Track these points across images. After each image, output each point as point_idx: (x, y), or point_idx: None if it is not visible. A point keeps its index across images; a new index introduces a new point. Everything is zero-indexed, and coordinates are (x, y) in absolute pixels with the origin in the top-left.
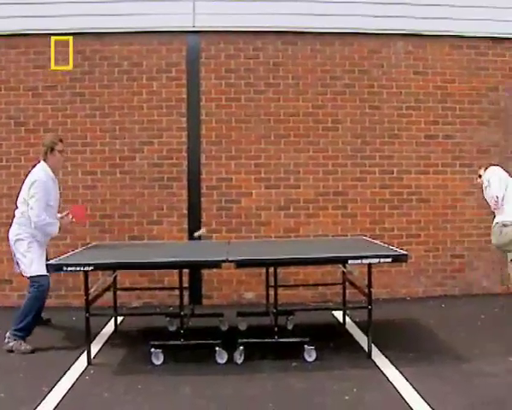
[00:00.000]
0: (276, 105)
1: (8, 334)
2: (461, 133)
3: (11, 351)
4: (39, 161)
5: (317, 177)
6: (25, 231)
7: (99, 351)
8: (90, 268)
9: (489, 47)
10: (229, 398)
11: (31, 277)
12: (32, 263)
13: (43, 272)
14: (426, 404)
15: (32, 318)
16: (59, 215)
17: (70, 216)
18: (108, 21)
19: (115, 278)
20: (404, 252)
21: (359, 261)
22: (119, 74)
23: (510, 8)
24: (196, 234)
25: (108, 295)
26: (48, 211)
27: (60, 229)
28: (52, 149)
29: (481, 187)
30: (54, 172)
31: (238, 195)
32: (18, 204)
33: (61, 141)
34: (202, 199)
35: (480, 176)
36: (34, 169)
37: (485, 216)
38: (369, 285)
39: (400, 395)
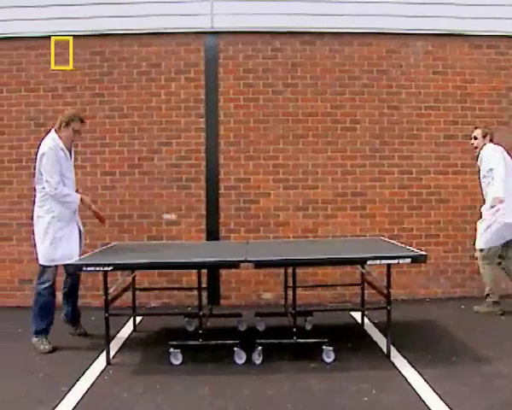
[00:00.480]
0: (295, 105)
1: None
2: None
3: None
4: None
5: (335, 177)
6: (43, 209)
7: (118, 351)
8: (110, 268)
9: (509, 46)
10: (247, 398)
11: (39, 264)
12: (42, 249)
13: (50, 262)
14: (445, 406)
15: (46, 315)
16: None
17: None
18: (127, 23)
19: (134, 278)
20: (423, 253)
21: (378, 262)
22: (138, 75)
23: None
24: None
25: (127, 296)
26: (64, 182)
27: (82, 202)
28: (67, 124)
29: (476, 154)
30: (66, 146)
31: (256, 195)
32: (36, 181)
33: (81, 121)
34: (220, 199)
35: (475, 138)
36: (44, 140)
37: None
38: (388, 286)
39: (419, 396)
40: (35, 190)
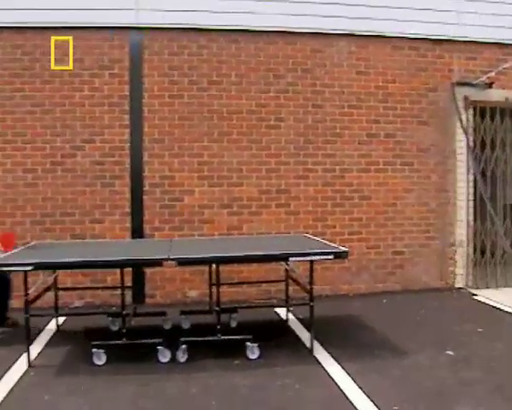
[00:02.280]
0: (220, 103)
1: None
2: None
3: None
4: None
5: (260, 175)
6: None
7: (40, 353)
8: (30, 268)
9: (429, 49)
10: (172, 397)
11: None
12: None
13: None
14: (366, 398)
15: None
16: None
17: None
18: (50, 16)
19: (56, 277)
20: (345, 249)
21: (300, 258)
22: (61, 70)
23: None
24: None
25: (50, 296)
26: None
27: None
28: None
29: None
30: None
31: (181, 193)
32: None
33: None
34: (145, 197)
35: None
36: None
37: (425, 214)
38: (311, 282)
39: (341, 390)
40: None
